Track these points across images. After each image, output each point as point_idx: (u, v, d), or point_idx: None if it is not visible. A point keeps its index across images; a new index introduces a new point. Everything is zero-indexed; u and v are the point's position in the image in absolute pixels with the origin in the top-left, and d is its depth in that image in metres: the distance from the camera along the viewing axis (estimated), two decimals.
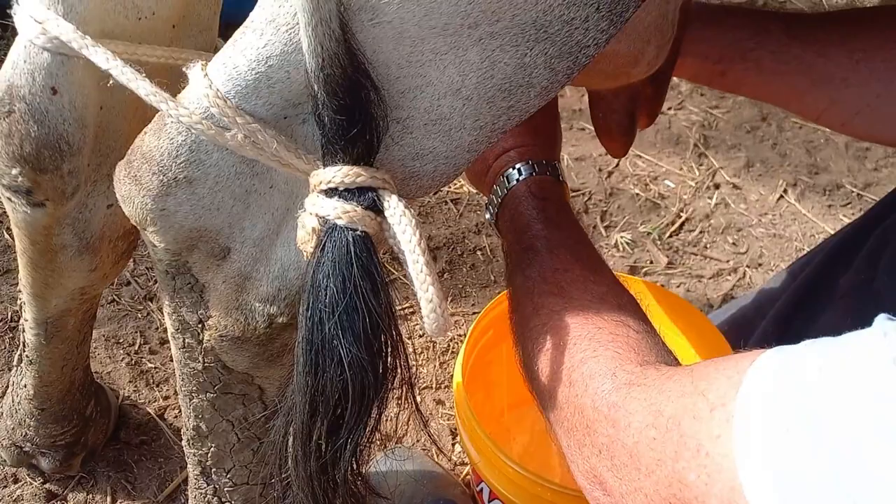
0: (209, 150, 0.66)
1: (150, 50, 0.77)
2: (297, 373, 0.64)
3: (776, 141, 2.03)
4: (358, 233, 0.61)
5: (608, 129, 1.00)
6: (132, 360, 1.42)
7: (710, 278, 1.72)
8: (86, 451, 1.25)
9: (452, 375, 1.32)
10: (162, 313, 1.02)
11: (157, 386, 1.39)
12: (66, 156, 0.80)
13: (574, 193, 1.84)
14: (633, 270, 1.70)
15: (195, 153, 0.66)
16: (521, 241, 0.83)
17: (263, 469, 0.88)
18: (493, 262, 1.67)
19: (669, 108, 2.07)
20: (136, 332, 1.45)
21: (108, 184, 0.81)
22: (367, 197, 0.61)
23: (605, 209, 1.82)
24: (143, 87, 0.65)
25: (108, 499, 1.25)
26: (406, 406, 0.67)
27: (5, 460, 1.22)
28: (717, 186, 1.91)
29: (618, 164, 1.92)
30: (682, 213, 1.83)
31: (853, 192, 1.93)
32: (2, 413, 1.21)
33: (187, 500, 0.98)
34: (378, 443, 0.69)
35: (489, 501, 1.14)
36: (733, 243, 1.80)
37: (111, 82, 0.68)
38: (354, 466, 0.66)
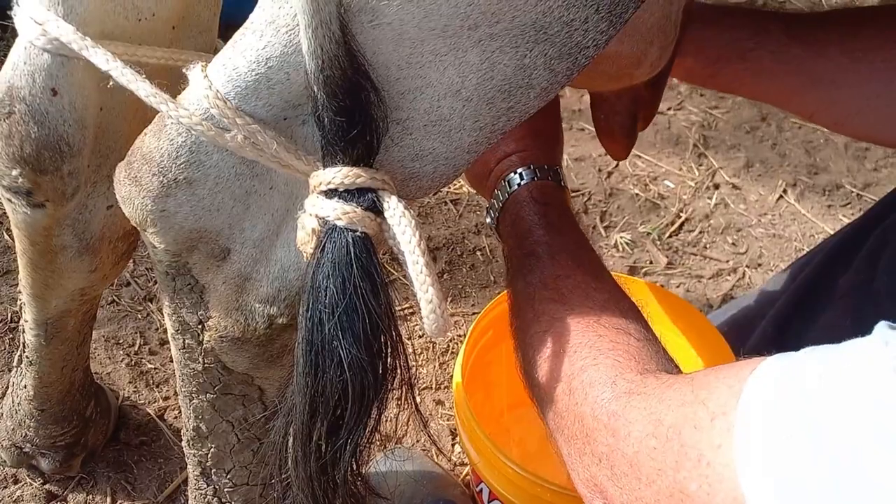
0: (209, 152, 0.66)
1: (149, 51, 0.77)
2: (297, 373, 0.64)
3: (776, 141, 2.03)
4: (358, 234, 0.61)
5: (610, 130, 1.00)
6: (132, 360, 1.42)
7: (709, 278, 1.72)
8: (86, 452, 1.25)
9: (452, 376, 1.32)
10: (162, 314, 1.03)
11: (157, 387, 1.39)
12: (67, 157, 0.80)
13: (574, 194, 1.84)
14: (633, 271, 1.70)
15: (195, 154, 0.66)
16: (523, 246, 0.82)
17: (263, 469, 0.88)
18: (492, 263, 1.67)
19: (669, 109, 2.07)
20: (136, 332, 1.45)
21: (108, 185, 0.81)
22: (366, 198, 0.61)
23: (604, 209, 1.83)
24: (143, 89, 0.65)
25: (108, 499, 1.25)
26: (406, 406, 0.67)
27: (5, 461, 1.22)
28: (716, 187, 1.91)
29: (617, 165, 1.92)
30: (681, 214, 1.83)
31: (853, 192, 1.93)
32: (2, 414, 1.21)
33: (187, 500, 0.98)
34: (378, 443, 0.69)
35: (489, 502, 1.14)
36: (733, 243, 1.80)
37: (111, 83, 0.68)
38: (354, 467, 0.66)
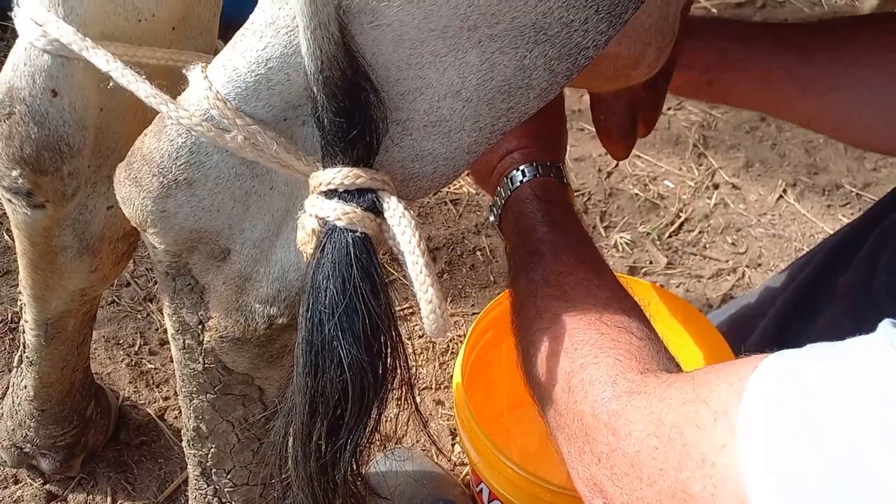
0: (209, 152, 0.66)
1: (150, 52, 0.77)
2: (297, 374, 0.64)
3: (775, 141, 2.03)
4: (357, 234, 0.61)
5: (609, 131, 1.00)
6: (132, 361, 1.42)
7: (709, 278, 1.72)
8: (86, 452, 1.25)
9: (452, 376, 1.32)
10: (162, 314, 1.03)
11: (158, 387, 1.39)
12: (67, 157, 0.80)
13: (573, 194, 1.84)
14: (633, 271, 1.70)
15: (195, 155, 0.66)
16: (526, 243, 0.82)
17: (263, 470, 0.88)
18: (492, 263, 1.67)
19: (669, 109, 2.07)
20: (137, 333, 1.45)
21: (109, 185, 0.81)
22: (366, 198, 0.61)
23: (604, 209, 1.83)
24: (143, 89, 0.65)
25: (109, 499, 1.25)
26: (406, 407, 0.67)
27: (6, 461, 1.23)
28: (716, 186, 1.91)
29: (617, 165, 1.92)
30: (681, 214, 1.83)
31: (852, 192, 1.93)
32: (2, 414, 1.21)
33: (187, 500, 0.98)
34: (378, 443, 0.69)
35: (489, 502, 1.14)
36: (732, 243, 1.80)
37: (111, 84, 0.68)
38: (354, 467, 0.66)
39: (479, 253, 1.69)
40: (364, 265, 0.61)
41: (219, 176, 0.67)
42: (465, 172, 0.88)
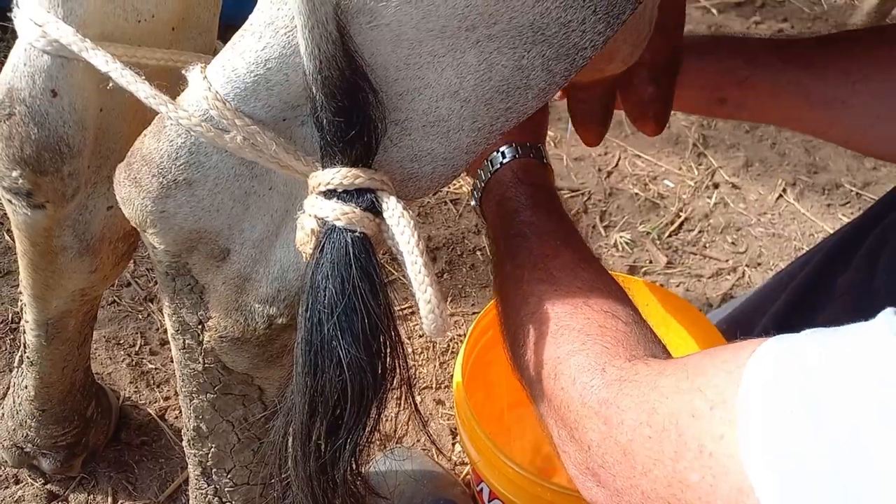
0: (208, 153, 0.66)
1: (149, 52, 0.77)
2: (297, 373, 0.64)
3: (775, 140, 2.03)
4: (357, 234, 0.61)
5: (582, 117, 1.01)
6: (133, 361, 1.42)
7: (709, 278, 1.72)
8: (87, 452, 1.25)
9: (452, 375, 1.32)
10: (162, 314, 1.03)
11: (158, 387, 1.39)
12: (67, 158, 0.81)
13: (573, 193, 1.84)
14: (633, 270, 1.70)
15: (195, 155, 0.66)
16: (510, 227, 0.82)
17: (264, 469, 0.88)
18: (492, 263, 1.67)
19: None
20: (137, 333, 1.46)
21: (108, 186, 0.81)
22: (365, 198, 0.61)
23: (604, 209, 1.83)
24: (142, 90, 0.65)
25: (110, 499, 1.26)
26: (405, 406, 0.67)
27: (6, 461, 1.23)
28: (716, 186, 1.91)
29: (617, 164, 1.92)
30: (681, 213, 1.83)
31: (852, 191, 1.93)
32: (3, 414, 1.21)
33: (188, 500, 0.98)
34: (378, 443, 0.69)
35: (489, 501, 1.14)
36: (732, 243, 1.80)
37: (111, 85, 0.68)
38: (354, 466, 0.66)
39: (479, 253, 1.69)
40: (363, 265, 0.61)
41: (218, 176, 0.67)
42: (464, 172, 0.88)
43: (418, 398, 1.42)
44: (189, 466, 0.92)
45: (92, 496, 1.26)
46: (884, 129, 0.96)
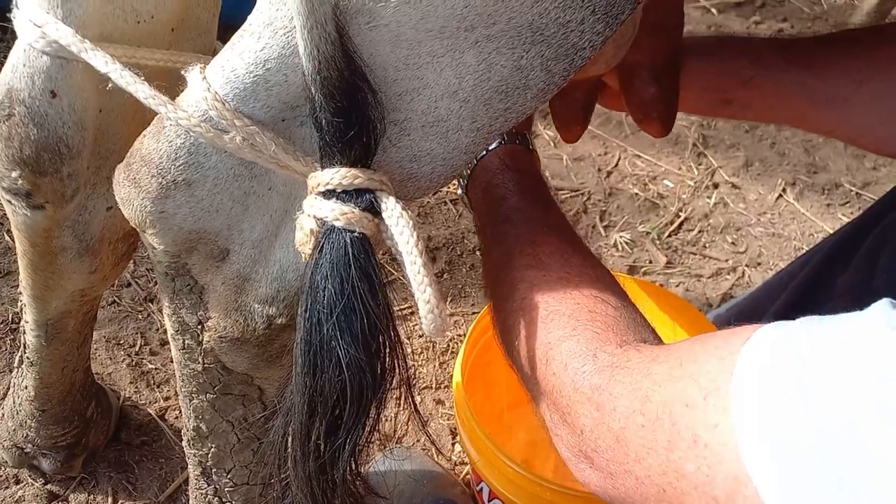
0: (208, 153, 0.66)
1: (148, 53, 0.77)
2: (296, 373, 0.64)
3: (775, 140, 2.03)
4: (356, 234, 0.61)
5: (563, 116, 1.02)
6: (133, 361, 1.42)
7: (709, 278, 1.72)
8: (87, 452, 1.25)
9: (452, 375, 1.33)
10: (162, 314, 1.03)
11: (158, 387, 1.40)
12: (66, 159, 0.81)
13: (573, 193, 1.85)
14: (633, 270, 1.70)
15: (194, 156, 0.66)
16: (497, 213, 0.82)
17: (263, 469, 0.88)
18: None
19: None
20: (137, 333, 1.46)
21: (108, 186, 0.81)
22: (364, 199, 0.61)
23: (604, 209, 1.83)
24: (141, 91, 0.65)
25: (110, 499, 1.26)
26: (405, 406, 0.67)
27: (7, 461, 1.23)
28: (715, 186, 1.91)
29: (617, 164, 1.92)
30: (681, 213, 1.84)
31: (852, 191, 1.93)
32: (3, 415, 1.21)
33: (188, 500, 0.98)
34: (377, 443, 0.69)
35: (489, 501, 1.14)
36: (732, 243, 1.80)
37: (110, 86, 0.68)
38: (353, 466, 0.67)
39: (478, 253, 1.69)
40: (362, 265, 0.61)
41: (217, 177, 0.67)
42: None
43: (418, 398, 1.42)
44: (189, 466, 0.93)
45: (92, 496, 1.26)
46: (889, 128, 0.96)
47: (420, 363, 1.48)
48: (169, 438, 1.33)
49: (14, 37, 0.76)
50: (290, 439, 0.68)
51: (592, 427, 0.61)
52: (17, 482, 1.26)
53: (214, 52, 0.66)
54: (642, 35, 0.87)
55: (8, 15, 0.75)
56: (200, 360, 0.78)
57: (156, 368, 1.41)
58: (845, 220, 1.81)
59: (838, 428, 0.44)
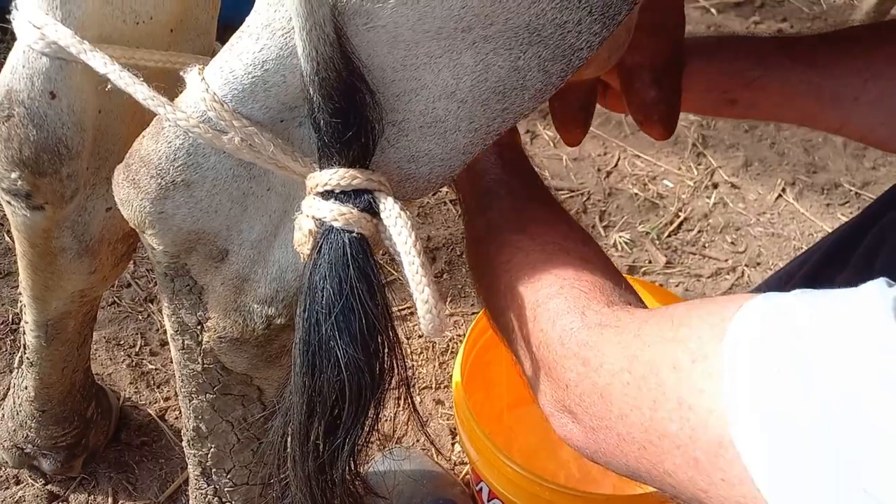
0: (206, 154, 0.66)
1: (147, 54, 0.77)
2: (295, 373, 0.64)
3: (774, 140, 2.03)
4: (354, 235, 0.61)
5: (562, 118, 1.02)
6: (133, 361, 1.42)
7: (708, 277, 1.72)
8: (87, 453, 1.25)
9: (452, 375, 1.33)
10: (162, 315, 1.03)
11: (158, 387, 1.40)
12: (65, 159, 0.81)
13: (572, 193, 1.85)
14: (632, 270, 1.70)
15: (193, 156, 0.66)
16: (480, 185, 0.83)
17: (263, 469, 0.88)
18: None
19: None
20: (137, 333, 1.46)
21: (107, 187, 0.82)
22: (362, 199, 0.62)
23: (603, 209, 1.83)
24: (140, 91, 0.66)
25: (110, 500, 1.26)
26: (404, 407, 0.67)
27: (7, 462, 1.23)
28: (715, 186, 1.92)
29: (616, 165, 1.93)
30: (680, 213, 1.84)
31: (851, 190, 1.93)
32: (3, 415, 1.21)
33: (188, 500, 0.98)
34: (377, 443, 0.69)
35: (488, 501, 1.14)
36: (732, 242, 1.80)
37: (109, 87, 0.68)
38: (352, 466, 0.67)
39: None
40: (360, 265, 0.61)
41: (216, 177, 0.67)
42: None
43: (418, 398, 1.43)
44: (189, 466, 0.93)
45: (92, 497, 1.26)
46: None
47: (420, 363, 1.49)
48: (169, 439, 1.33)
49: (13, 38, 0.76)
50: (289, 439, 0.68)
51: (577, 381, 0.62)
52: (18, 483, 1.26)
53: (213, 53, 0.66)
54: (642, 36, 0.87)
55: (7, 16, 0.75)
56: (200, 360, 0.79)
57: (156, 369, 1.42)
58: (845, 219, 1.81)
59: (837, 400, 0.44)
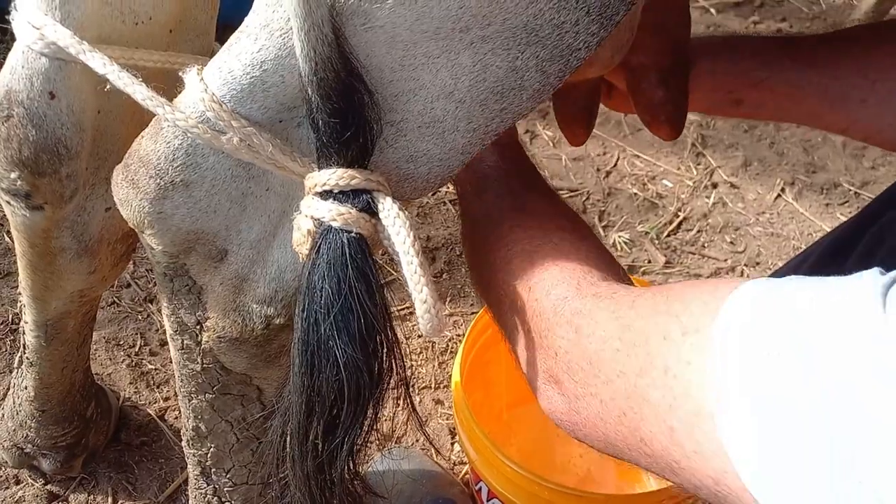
0: (205, 154, 0.66)
1: (146, 54, 0.77)
2: (294, 373, 0.65)
3: (773, 140, 2.04)
4: (353, 235, 0.61)
5: (565, 116, 1.02)
6: (132, 361, 1.42)
7: (708, 277, 1.72)
8: (87, 453, 1.25)
9: (451, 375, 1.33)
10: (162, 315, 1.03)
11: (158, 387, 1.40)
12: (65, 160, 0.81)
13: (572, 193, 1.85)
14: (632, 270, 1.70)
15: (192, 157, 0.66)
16: (475, 171, 0.83)
17: (262, 469, 0.88)
18: None
19: None
20: (137, 333, 1.46)
21: (106, 187, 0.82)
22: (361, 199, 0.62)
23: (603, 209, 1.83)
24: (139, 92, 0.66)
25: (110, 499, 1.26)
26: (404, 406, 0.68)
27: (7, 462, 1.23)
28: (714, 186, 1.92)
29: (616, 164, 1.93)
30: (679, 213, 1.84)
31: (850, 190, 1.94)
32: (3, 415, 1.21)
33: (188, 500, 0.99)
34: (376, 443, 0.70)
35: (488, 500, 1.14)
36: (731, 242, 1.80)
37: (108, 87, 0.69)
38: (351, 466, 0.67)
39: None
40: (359, 265, 0.61)
41: (215, 178, 0.67)
42: None
43: (417, 398, 1.43)
44: (188, 466, 0.93)
45: (92, 496, 1.26)
46: None
47: (419, 363, 1.49)
48: (169, 439, 1.33)
49: (13, 38, 0.76)
50: (288, 439, 0.68)
51: (568, 348, 0.63)
52: (18, 482, 1.26)
53: (212, 54, 0.66)
54: (646, 36, 0.87)
55: (7, 17, 0.75)
56: (199, 360, 0.79)
57: (155, 369, 1.42)
58: (844, 219, 1.81)
59: (832, 388, 0.44)
